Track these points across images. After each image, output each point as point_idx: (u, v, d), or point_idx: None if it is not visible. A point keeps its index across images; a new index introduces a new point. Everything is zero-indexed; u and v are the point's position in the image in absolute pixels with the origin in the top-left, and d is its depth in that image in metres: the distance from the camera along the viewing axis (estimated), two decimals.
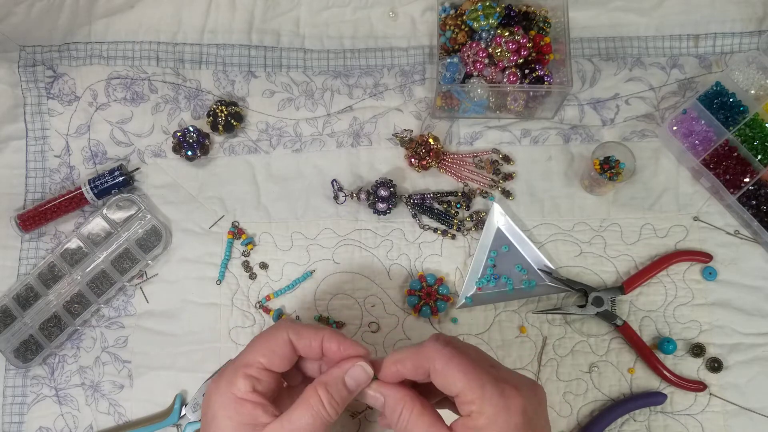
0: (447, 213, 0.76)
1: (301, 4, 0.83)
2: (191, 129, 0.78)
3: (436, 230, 0.76)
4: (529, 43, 0.73)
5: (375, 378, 0.53)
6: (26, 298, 0.76)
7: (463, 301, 0.73)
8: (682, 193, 0.76)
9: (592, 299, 0.72)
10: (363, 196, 0.76)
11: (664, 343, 0.71)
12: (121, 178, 0.77)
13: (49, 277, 0.77)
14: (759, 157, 0.73)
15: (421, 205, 0.76)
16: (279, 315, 0.75)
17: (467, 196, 0.76)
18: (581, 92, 0.80)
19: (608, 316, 0.72)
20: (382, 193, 0.74)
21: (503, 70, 0.74)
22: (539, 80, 0.74)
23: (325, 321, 0.75)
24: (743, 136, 0.74)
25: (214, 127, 0.78)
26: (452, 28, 0.76)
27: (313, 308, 0.75)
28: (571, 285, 0.73)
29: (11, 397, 0.76)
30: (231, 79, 0.82)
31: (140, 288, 0.77)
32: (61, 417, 0.75)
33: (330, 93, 0.81)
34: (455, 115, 0.79)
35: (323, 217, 0.78)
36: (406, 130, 0.77)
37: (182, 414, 0.73)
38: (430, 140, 0.76)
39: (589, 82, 0.80)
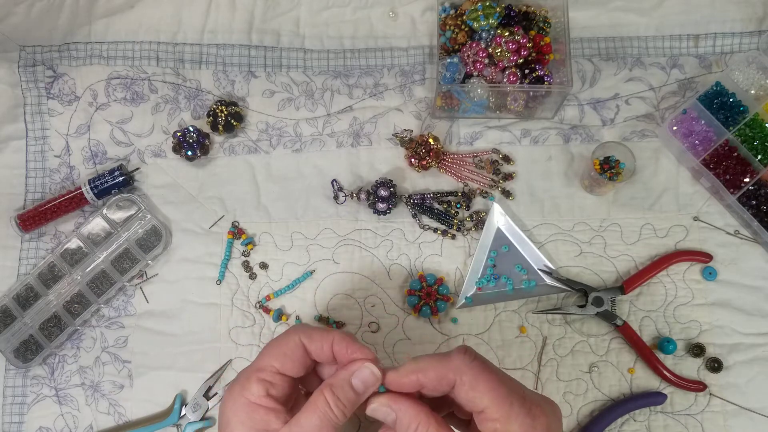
0: (447, 213, 0.76)
1: (301, 4, 0.83)
2: (191, 129, 0.78)
3: (436, 230, 0.76)
4: (529, 43, 0.73)
5: (383, 388, 0.51)
6: (26, 298, 0.76)
7: (463, 301, 0.73)
8: (682, 193, 0.76)
9: (592, 299, 0.72)
10: (363, 196, 0.76)
11: (664, 343, 0.71)
12: (121, 178, 0.77)
13: (49, 277, 0.77)
14: (759, 157, 0.73)
15: (421, 205, 0.76)
16: (279, 315, 0.75)
17: (467, 196, 0.76)
18: (581, 92, 0.80)
19: (608, 316, 0.72)
20: (382, 193, 0.74)
21: (503, 70, 0.74)
22: (539, 80, 0.74)
23: (325, 321, 0.75)
24: (743, 136, 0.74)
25: (214, 127, 0.78)
26: (452, 28, 0.76)
27: (313, 308, 0.75)
28: (571, 285, 0.73)
29: (11, 397, 0.76)
30: (231, 79, 0.82)
31: (140, 288, 0.77)
32: (61, 417, 0.75)
33: (330, 93, 0.81)
34: (455, 115, 0.79)
35: (323, 217, 0.78)
36: (406, 130, 0.77)
37: (182, 414, 0.73)
38: (430, 140, 0.76)
39: (589, 82, 0.80)
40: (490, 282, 0.74)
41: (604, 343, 0.73)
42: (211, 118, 0.78)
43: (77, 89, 0.83)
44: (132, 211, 0.78)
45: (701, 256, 0.73)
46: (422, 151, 0.76)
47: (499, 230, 0.75)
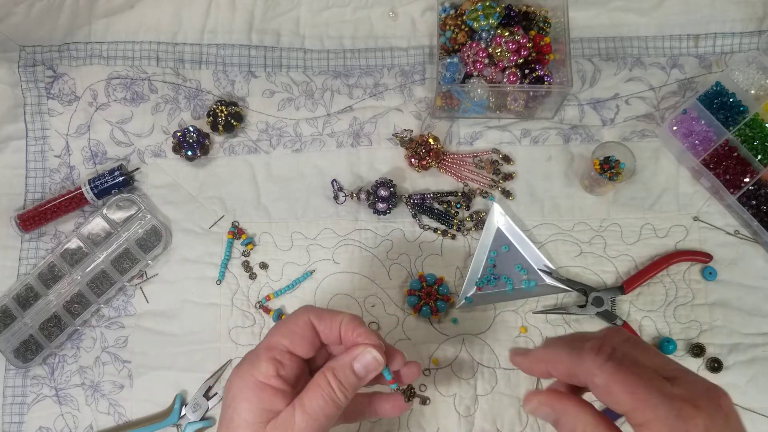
0: (447, 213, 0.76)
1: (301, 4, 0.83)
2: (191, 129, 0.78)
3: (436, 230, 0.76)
4: (529, 43, 0.73)
5: (386, 372, 0.52)
6: (26, 298, 0.76)
7: (463, 301, 0.73)
8: (682, 193, 0.76)
9: (592, 299, 0.72)
10: (363, 196, 0.76)
11: (664, 343, 0.71)
12: (121, 178, 0.77)
13: (49, 277, 0.77)
14: (759, 157, 0.73)
15: (421, 205, 0.76)
16: (279, 315, 0.75)
17: (467, 196, 0.76)
18: (581, 92, 0.80)
19: (608, 316, 0.72)
20: (382, 193, 0.74)
21: (503, 70, 0.74)
22: (539, 80, 0.74)
23: None
24: (743, 136, 0.74)
25: (214, 127, 0.78)
26: (452, 28, 0.76)
27: None
28: (571, 285, 0.73)
29: (11, 397, 0.76)
30: (231, 79, 0.82)
31: (140, 288, 0.77)
32: (61, 417, 0.75)
33: (330, 93, 0.81)
34: (455, 115, 0.79)
35: (323, 217, 0.78)
36: (406, 130, 0.77)
37: (182, 414, 0.73)
38: (430, 140, 0.76)
39: (589, 82, 0.80)
40: (490, 282, 0.74)
41: None
42: (211, 118, 0.78)
43: (77, 89, 0.83)
44: (132, 211, 0.78)
45: (701, 256, 0.73)
46: (422, 151, 0.76)
47: (499, 230, 0.75)
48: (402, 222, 0.77)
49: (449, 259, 0.76)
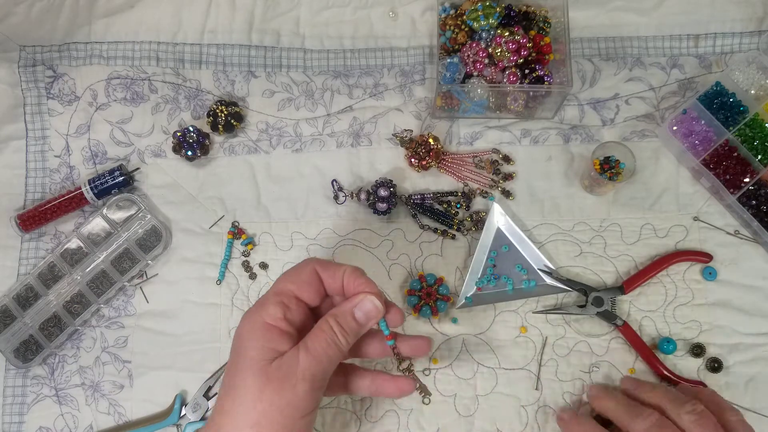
0: (447, 213, 0.76)
1: (301, 4, 0.83)
2: (191, 129, 0.78)
3: (436, 230, 0.76)
4: (529, 43, 0.73)
5: (383, 325, 0.56)
6: (26, 298, 0.76)
7: (463, 301, 0.73)
8: (682, 193, 0.76)
9: (592, 299, 0.72)
10: (363, 196, 0.76)
11: (664, 343, 0.71)
12: (121, 178, 0.77)
13: (49, 277, 0.77)
14: (759, 157, 0.73)
15: (421, 205, 0.76)
16: None
17: (467, 196, 0.76)
18: (581, 92, 0.80)
19: (608, 316, 0.72)
20: (382, 193, 0.74)
21: (503, 70, 0.74)
22: (539, 80, 0.74)
23: None
24: (743, 136, 0.74)
25: (214, 127, 0.78)
26: (452, 28, 0.76)
27: None
28: (571, 285, 0.73)
29: (11, 397, 0.76)
30: (231, 79, 0.82)
31: (140, 288, 0.77)
32: (61, 417, 0.75)
33: (330, 93, 0.81)
34: (455, 115, 0.79)
35: (323, 217, 0.78)
36: (406, 130, 0.77)
37: (182, 414, 0.73)
38: (430, 140, 0.76)
39: (589, 82, 0.80)
40: (490, 282, 0.74)
41: (604, 343, 0.73)
42: (211, 118, 0.78)
43: (77, 89, 0.83)
44: (132, 211, 0.78)
45: (701, 256, 0.73)
46: (422, 151, 0.76)
47: (499, 230, 0.75)
48: (402, 222, 0.77)
49: (449, 259, 0.76)
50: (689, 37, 0.81)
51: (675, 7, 0.81)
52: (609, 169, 0.73)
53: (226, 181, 0.79)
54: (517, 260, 0.74)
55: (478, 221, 0.76)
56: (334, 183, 0.77)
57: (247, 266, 0.77)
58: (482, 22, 0.74)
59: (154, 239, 0.77)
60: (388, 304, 0.56)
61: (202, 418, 0.73)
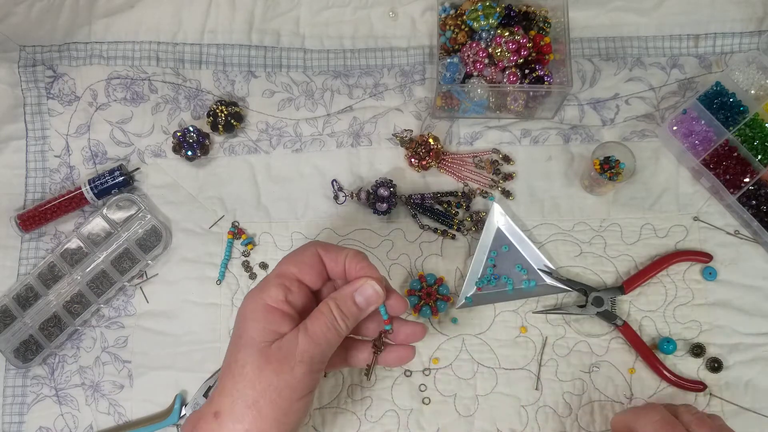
0: (447, 213, 0.76)
1: (301, 4, 0.83)
2: (191, 129, 0.78)
3: (436, 230, 0.76)
4: (529, 43, 0.73)
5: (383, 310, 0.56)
6: (26, 298, 0.76)
7: (463, 301, 0.73)
8: (682, 193, 0.76)
9: (592, 299, 0.72)
10: (363, 196, 0.76)
11: (664, 343, 0.71)
12: (121, 178, 0.77)
13: (49, 277, 0.77)
14: (759, 157, 0.73)
15: (421, 205, 0.76)
16: None
17: (467, 196, 0.77)
18: (581, 92, 0.80)
19: (608, 316, 0.72)
20: (382, 193, 0.74)
21: (503, 70, 0.74)
22: (539, 80, 0.74)
23: None
24: (743, 136, 0.74)
25: (214, 127, 0.78)
26: (452, 28, 0.76)
27: None
28: (571, 285, 0.73)
29: (11, 397, 0.76)
30: (231, 79, 0.82)
31: (140, 288, 0.77)
32: (61, 417, 0.75)
33: (330, 93, 0.81)
34: (455, 115, 0.79)
35: (323, 217, 0.78)
36: (406, 130, 0.77)
37: (182, 414, 0.73)
38: (430, 140, 0.76)
39: (589, 82, 0.80)
40: (490, 282, 0.74)
41: (604, 343, 0.73)
42: (211, 118, 0.78)
43: (77, 89, 0.83)
44: (132, 211, 0.78)
45: (701, 256, 0.73)
46: (422, 151, 0.76)
47: (499, 230, 0.75)
48: (402, 222, 0.77)
49: (449, 259, 0.76)
50: (689, 37, 0.81)
51: (675, 7, 0.81)
52: (609, 169, 0.73)
53: (226, 181, 0.79)
54: (517, 260, 0.74)
55: (478, 221, 0.76)
56: (334, 183, 0.77)
57: (247, 266, 0.77)
58: (482, 22, 0.74)
59: (154, 239, 0.77)
60: (389, 291, 0.57)
61: None
